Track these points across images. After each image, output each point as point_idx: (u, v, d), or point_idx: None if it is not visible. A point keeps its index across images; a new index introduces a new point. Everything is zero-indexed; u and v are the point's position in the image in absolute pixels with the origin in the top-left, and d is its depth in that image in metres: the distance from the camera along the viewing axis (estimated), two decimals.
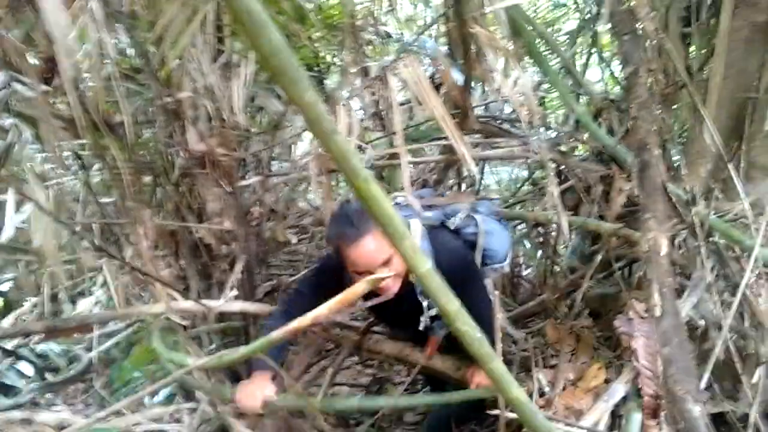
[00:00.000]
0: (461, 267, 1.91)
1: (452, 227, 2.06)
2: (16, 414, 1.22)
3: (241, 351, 1.17)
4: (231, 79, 2.56)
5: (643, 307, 1.80)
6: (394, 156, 2.54)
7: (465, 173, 3.47)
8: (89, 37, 1.87)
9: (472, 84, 2.21)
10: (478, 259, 2.08)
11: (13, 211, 1.50)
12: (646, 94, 1.53)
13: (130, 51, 2.70)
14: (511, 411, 1.30)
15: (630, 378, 1.70)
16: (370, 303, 1.36)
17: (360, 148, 2.49)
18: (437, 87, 2.64)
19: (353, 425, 2.86)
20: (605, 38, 3.78)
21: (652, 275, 1.29)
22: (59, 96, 2.07)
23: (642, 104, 1.53)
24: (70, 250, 3.16)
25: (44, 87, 1.82)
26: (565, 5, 4.74)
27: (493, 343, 1.35)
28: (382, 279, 1.11)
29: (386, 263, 1.66)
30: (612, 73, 3.45)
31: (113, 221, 2.53)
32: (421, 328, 1.91)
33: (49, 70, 1.76)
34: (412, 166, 2.90)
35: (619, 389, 1.71)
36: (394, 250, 1.55)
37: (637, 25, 1.72)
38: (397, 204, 2.08)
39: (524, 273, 3.91)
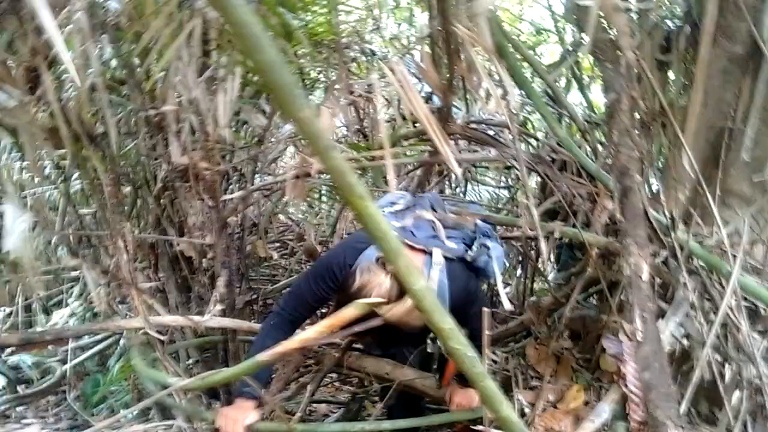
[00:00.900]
0: (471, 301, 1.92)
1: (470, 259, 2.01)
2: None
3: (225, 373, 1.16)
4: (216, 93, 2.55)
5: (633, 329, 1.82)
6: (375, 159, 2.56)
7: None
8: (74, 46, 1.85)
9: (454, 83, 2.21)
10: (499, 283, 2.05)
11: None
12: (627, 121, 1.56)
13: (114, 62, 2.68)
14: (498, 428, 1.31)
15: (616, 398, 1.71)
16: (362, 327, 1.33)
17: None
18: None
19: None
20: (586, 62, 3.86)
21: (633, 299, 1.31)
22: (41, 105, 2.05)
23: (623, 131, 1.56)
24: (45, 260, 3.11)
25: (26, 96, 1.79)
26: (547, 30, 4.83)
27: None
28: (372, 304, 1.10)
29: None
30: (588, 99, 3.52)
31: (92, 232, 2.49)
32: (429, 350, 1.98)
33: (32, 79, 1.74)
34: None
35: (605, 409, 1.71)
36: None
37: (618, 54, 1.76)
38: (416, 226, 2.06)
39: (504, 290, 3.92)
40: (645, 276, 1.34)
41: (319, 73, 4.32)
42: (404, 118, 3.67)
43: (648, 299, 1.32)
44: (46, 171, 2.43)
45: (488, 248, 2.04)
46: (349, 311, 1.04)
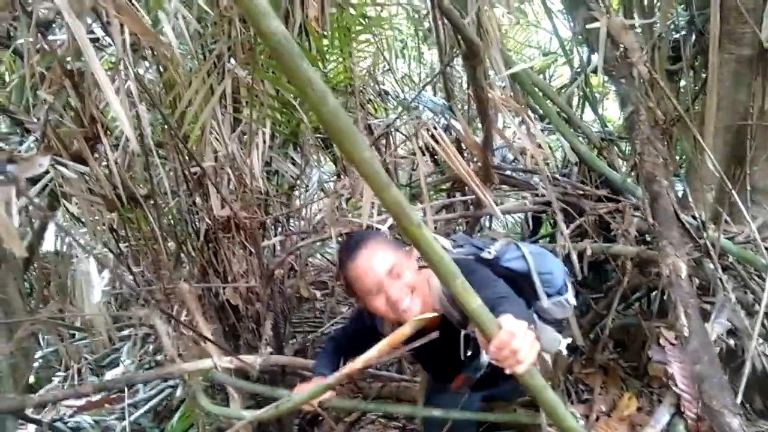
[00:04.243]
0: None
1: (490, 257, 1.81)
2: None
3: (296, 399, 1.23)
4: (249, 146, 2.70)
5: (673, 335, 1.85)
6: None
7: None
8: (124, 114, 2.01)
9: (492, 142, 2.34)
10: (535, 279, 1.78)
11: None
12: (647, 130, 1.64)
13: (152, 127, 2.86)
14: None
15: (672, 401, 1.73)
16: (415, 344, 1.34)
17: None
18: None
19: None
20: (594, 80, 3.97)
21: (675, 298, 1.37)
22: (94, 174, 2.20)
23: (645, 140, 1.63)
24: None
25: (84, 167, 1.94)
26: (554, 53, 4.96)
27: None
28: (427, 319, 1.15)
29: (394, 275, 1.54)
30: (601, 116, 3.61)
31: (148, 287, 2.61)
32: (462, 357, 1.72)
33: (90, 148, 1.89)
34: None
35: (664, 413, 1.74)
36: (404, 261, 1.56)
37: (631, 68, 1.85)
38: None
39: None
40: (684, 274, 1.39)
41: None
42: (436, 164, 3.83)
43: (689, 296, 1.37)
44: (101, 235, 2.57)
45: (518, 246, 1.84)
46: (406, 329, 1.11)
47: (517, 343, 1.08)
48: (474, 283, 1.04)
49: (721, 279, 1.69)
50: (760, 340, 1.66)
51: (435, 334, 1.24)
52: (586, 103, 3.97)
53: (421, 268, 1.67)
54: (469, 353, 1.66)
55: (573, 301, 1.86)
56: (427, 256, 0.95)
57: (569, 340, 1.90)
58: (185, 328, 1.95)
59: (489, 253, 1.80)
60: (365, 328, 1.95)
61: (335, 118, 0.81)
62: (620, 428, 1.99)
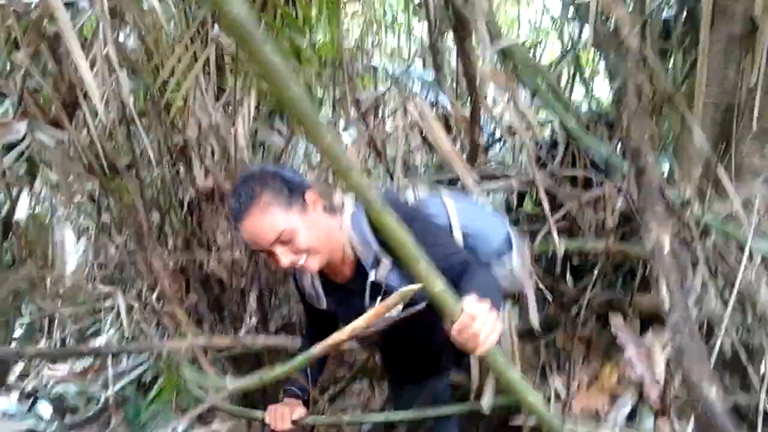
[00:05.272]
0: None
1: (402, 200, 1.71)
2: None
3: (279, 369, 1.23)
4: (234, 115, 2.66)
5: (621, 322, 1.90)
6: None
7: None
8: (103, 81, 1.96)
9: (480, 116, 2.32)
10: (458, 237, 1.65)
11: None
12: (635, 104, 1.63)
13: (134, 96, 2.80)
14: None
15: (635, 388, 1.78)
16: (407, 313, 1.24)
17: None
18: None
19: None
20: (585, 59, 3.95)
21: (657, 270, 1.38)
22: (73, 140, 2.16)
23: (632, 114, 1.62)
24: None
25: (62, 134, 1.90)
26: (544, 30, 4.93)
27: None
28: (414, 290, 1.12)
29: (285, 241, 1.43)
30: (592, 92, 3.60)
31: (126, 260, 2.60)
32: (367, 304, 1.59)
33: (68, 115, 1.84)
34: None
35: (627, 400, 1.79)
36: (296, 222, 1.42)
37: (620, 43, 1.83)
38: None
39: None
40: (666, 248, 1.40)
41: (324, 91, 4.44)
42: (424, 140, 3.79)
43: (671, 269, 1.38)
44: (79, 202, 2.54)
45: (441, 200, 1.70)
46: (394, 299, 1.10)
47: (478, 325, 1.08)
48: (423, 242, 1.02)
49: (699, 253, 1.71)
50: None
51: (421, 306, 1.23)
52: (576, 81, 3.96)
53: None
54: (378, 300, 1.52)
55: (516, 265, 1.77)
56: (389, 238, 0.99)
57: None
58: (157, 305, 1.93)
59: (406, 204, 1.72)
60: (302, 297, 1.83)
61: (298, 104, 0.80)
62: (600, 399, 2.02)
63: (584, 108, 3.32)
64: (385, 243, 1.41)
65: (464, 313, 1.08)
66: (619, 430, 1.83)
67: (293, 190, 1.46)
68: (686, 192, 1.86)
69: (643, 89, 1.80)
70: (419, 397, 1.90)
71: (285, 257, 1.44)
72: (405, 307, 1.17)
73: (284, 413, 1.71)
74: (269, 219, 1.41)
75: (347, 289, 1.65)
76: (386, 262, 1.54)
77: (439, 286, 1.05)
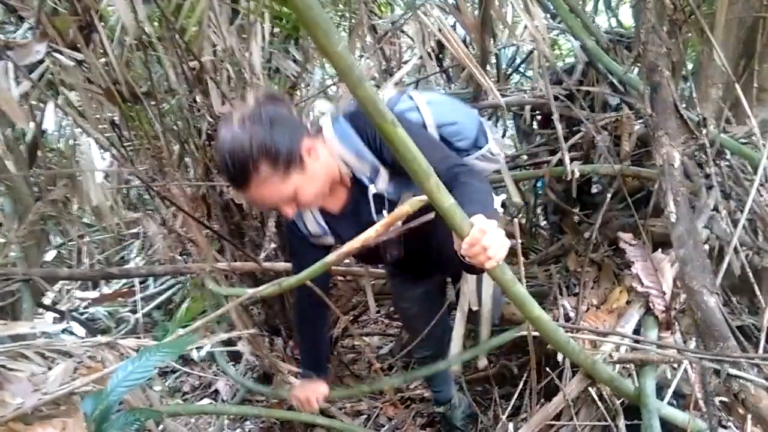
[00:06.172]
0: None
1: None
2: (102, 339, 1.35)
3: (299, 276, 1.27)
4: (248, 39, 2.63)
5: (630, 237, 1.92)
6: None
7: None
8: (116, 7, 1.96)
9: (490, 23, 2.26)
10: (434, 134, 1.62)
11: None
12: (653, 19, 1.59)
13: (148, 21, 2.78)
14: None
15: (641, 302, 1.82)
16: (416, 222, 1.16)
17: None
18: None
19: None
20: None
21: (666, 185, 1.39)
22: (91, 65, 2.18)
23: (650, 29, 1.59)
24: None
25: (80, 56, 1.91)
26: None
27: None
28: (423, 201, 1.13)
29: (285, 202, 1.44)
30: (617, 18, 3.49)
31: (151, 184, 2.65)
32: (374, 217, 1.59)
33: (85, 38, 1.86)
34: None
35: (633, 314, 1.84)
36: (293, 180, 1.39)
37: None
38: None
39: (542, 223, 3.96)
40: (677, 163, 1.40)
41: (341, 18, 4.35)
42: (431, 57, 3.70)
43: (680, 184, 1.39)
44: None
45: (411, 97, 1.66)
46: (404, 208, 1.11)
47: (488, 240, 1.10)
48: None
49: (713, 172, 1.71)
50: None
51: (430, 215, 1.24)
52: (599, 6, 3.83)
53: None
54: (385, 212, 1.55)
55: (497, 151, 1.75)
56: (400, 153, 0.97)
57: (504, 197, 1.93)
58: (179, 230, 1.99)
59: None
60: (300, 242, 1.76)
61: (308, 7, 0.77)
62: (608, 319, 2.07)
63: (605, 30, 3.23)
64: (380, 152, 1.48)
65: (475, 228, 1.11)
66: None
67: (291, 150, 1.38)
68: (704, 112, 1.84)
69: (663, 4, 1.74)
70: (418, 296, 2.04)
71: (291, 209, 1.46)
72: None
73: (309, 397, 1.81)
74: (269, 189, 1.38)
75: (345, 213, 1.64)
76: (384, 171, 1.52)
77: (449, 201, 1.07)
